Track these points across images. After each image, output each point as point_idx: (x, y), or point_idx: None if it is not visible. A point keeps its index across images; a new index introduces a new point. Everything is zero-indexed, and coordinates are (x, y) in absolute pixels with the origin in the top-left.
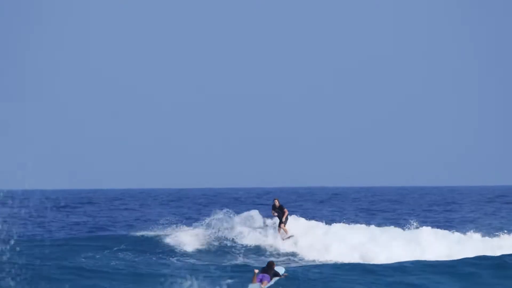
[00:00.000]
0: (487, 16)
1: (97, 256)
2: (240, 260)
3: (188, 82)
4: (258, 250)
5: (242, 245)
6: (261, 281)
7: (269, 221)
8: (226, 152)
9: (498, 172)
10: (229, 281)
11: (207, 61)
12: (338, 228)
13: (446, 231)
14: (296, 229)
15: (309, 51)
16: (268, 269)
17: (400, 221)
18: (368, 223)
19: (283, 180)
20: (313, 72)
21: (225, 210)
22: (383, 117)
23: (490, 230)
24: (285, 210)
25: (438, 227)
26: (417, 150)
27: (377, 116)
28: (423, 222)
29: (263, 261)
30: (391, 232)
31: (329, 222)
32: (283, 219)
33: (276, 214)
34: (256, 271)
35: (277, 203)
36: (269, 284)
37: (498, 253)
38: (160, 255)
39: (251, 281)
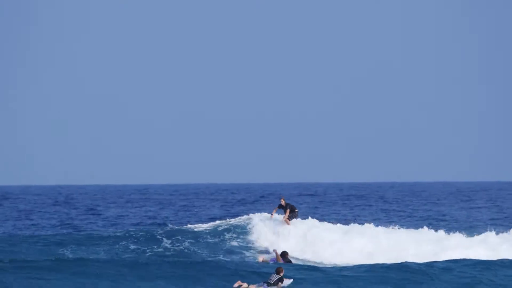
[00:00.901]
0: (494, 20)
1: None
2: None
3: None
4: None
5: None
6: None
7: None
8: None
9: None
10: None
11: (205, 64)
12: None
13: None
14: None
15: (307, 52)
16: (282, 257)
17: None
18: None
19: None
20: (311, 73)
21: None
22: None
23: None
24: (288, 210)
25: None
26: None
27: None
28: (425, 219)
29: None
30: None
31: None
32: (287, 215)
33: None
34: (276, 250)
35: (283, 202)
36: (282, 262)
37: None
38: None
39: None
